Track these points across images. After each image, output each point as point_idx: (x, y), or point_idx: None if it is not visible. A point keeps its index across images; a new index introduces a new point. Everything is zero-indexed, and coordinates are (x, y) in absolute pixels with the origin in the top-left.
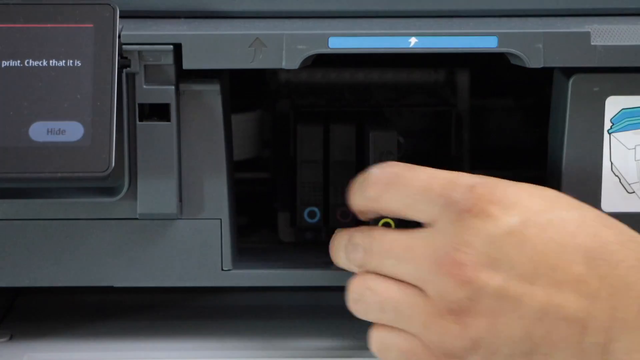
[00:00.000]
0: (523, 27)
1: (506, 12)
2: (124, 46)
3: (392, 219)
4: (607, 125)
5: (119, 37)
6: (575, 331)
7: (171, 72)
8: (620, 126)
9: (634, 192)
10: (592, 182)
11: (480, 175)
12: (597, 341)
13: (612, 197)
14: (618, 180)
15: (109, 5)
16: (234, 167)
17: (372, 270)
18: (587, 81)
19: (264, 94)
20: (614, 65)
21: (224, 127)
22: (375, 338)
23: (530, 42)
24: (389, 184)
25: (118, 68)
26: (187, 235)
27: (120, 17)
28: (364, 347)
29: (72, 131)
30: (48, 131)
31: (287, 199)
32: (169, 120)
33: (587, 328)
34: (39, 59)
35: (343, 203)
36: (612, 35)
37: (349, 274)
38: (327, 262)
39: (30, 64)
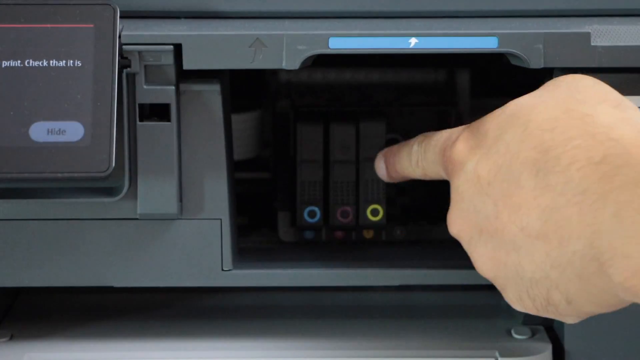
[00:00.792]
0: (523, 28)
1: (506, 12)
2: (124, 46)
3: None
4: None
5: (119, 37)
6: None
7: (171, 73)
8: None
9: None
10: None
11: None
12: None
13: None
14: None
15: (109, 5)
16: (234, 167)
17: None
18: None
19: (264, 94)
20: (614, 66)
21: (224, 127)
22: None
23: (531, 42)
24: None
25: (118, 68)
26: (187, 235)
27: (121, 17)
28: (364, 347)
29: (73, 131)
30: (48, 131)
31: (287, 199)
32: (169, 120)
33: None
34: (39, 59)
35: (343, 202)
36: (612, 36)
37: (349, 274)
38: (327, 262)
39: (30, 64)
